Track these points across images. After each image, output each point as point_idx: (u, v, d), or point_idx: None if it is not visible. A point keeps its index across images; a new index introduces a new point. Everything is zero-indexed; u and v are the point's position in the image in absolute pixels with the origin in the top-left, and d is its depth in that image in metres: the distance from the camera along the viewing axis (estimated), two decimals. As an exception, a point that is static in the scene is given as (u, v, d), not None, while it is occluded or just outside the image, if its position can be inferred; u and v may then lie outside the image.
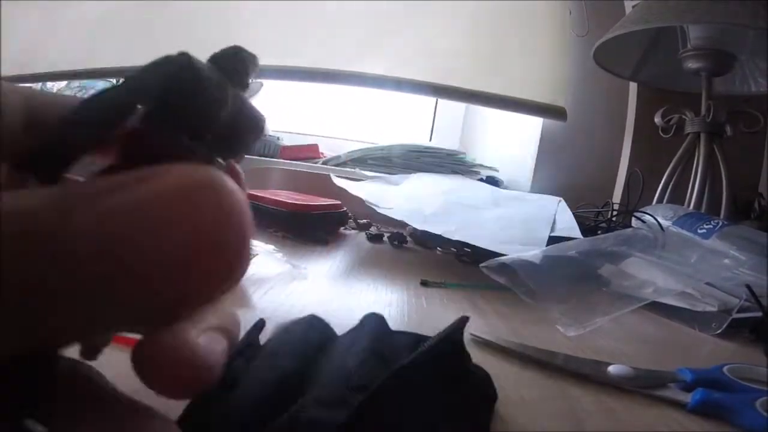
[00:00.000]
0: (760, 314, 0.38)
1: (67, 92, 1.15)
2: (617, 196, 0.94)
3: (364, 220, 0.79)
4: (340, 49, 0.96)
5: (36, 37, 1.07)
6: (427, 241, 0.66)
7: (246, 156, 0.33)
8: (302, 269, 0.42)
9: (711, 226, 0.56)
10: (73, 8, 1.04)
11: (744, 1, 0.63)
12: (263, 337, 0.22)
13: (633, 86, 0.97)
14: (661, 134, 0.92)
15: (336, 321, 0.31)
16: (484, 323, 0.34)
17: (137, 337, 0.12)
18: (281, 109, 1.25)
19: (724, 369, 0.27)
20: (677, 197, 0.83)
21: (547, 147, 1.04)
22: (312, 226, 0.63)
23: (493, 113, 1.18)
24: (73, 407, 0.12)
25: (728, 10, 0.63)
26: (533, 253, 0.43)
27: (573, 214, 0.65)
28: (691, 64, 0.80)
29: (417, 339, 0.24)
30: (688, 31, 0.79)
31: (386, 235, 0.70)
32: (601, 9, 0.97)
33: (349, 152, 1.00)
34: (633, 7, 0.81)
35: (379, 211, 0.61)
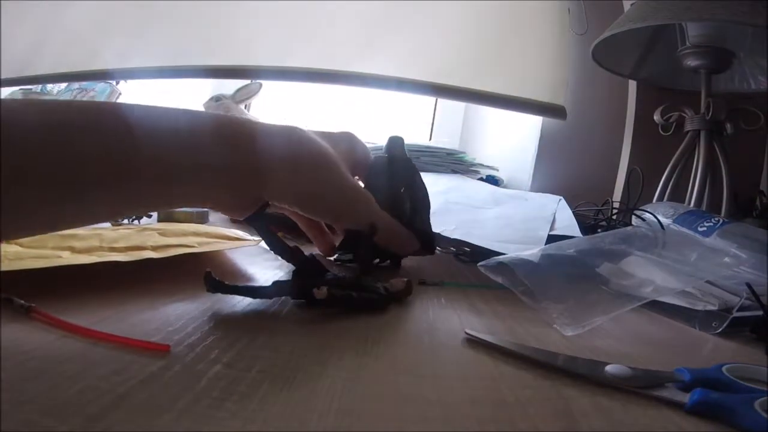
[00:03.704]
0: (761, 313, 0.38)
1: (66, 94, 1.14)
2: (617, 195, 0.94)
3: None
4: (339, 50, 0.96)
5: (36, 38, 1.07)
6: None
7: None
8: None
9: (711, 224, 0.56)
10: (73, 9, 1.04)
11: (742, -2, 0.63)
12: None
13: (632, 84, 0.97)
14: (661, 132, 0.91)
15: (335, 321, 0.32)
16: (481, 323, 0.34)
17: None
18: (280, 110, 1.24)
19: (724, 369, 0.27)
20: (678, 195, 0.83)
21: (546, 146, 1.03)
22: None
23: (493, 112, 1.18)
24: None
25: (727, 8, 0.62)
26: (531, 252, 0.43)
27: (573, 212, 0.65)
28: (690, 62, 0.79)
29: None
30: (686, 29, 0.79)
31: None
32: (599, 7, 0.97)
33: (348, 152, 0.99)
34: (631, 5, 0.80)
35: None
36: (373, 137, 1.15)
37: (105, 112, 0.28)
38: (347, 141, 0.41)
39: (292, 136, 0.35)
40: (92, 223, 0.29)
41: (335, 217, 0.40)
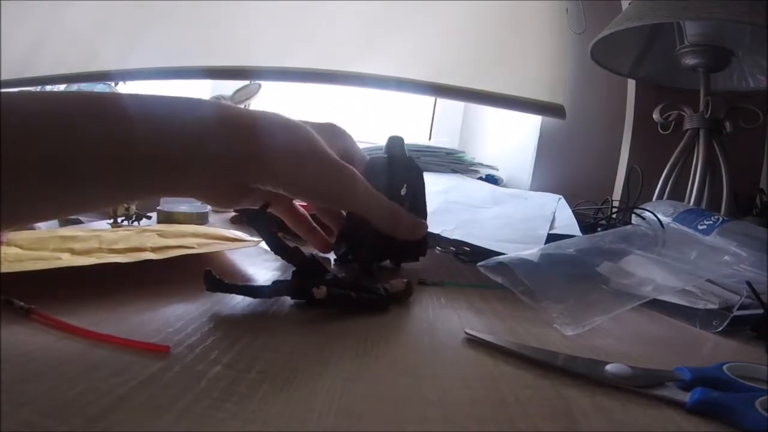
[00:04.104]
0: (761, 311, 0.38)
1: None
2: (617, 193, 0.94)
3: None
4: (339, 50, 0.96)
5: (35, 39, 1.06)
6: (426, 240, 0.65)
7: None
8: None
9: (711, 223, 0.56)
10: (72, 10, 1.04)
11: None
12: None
13: (631, 83, 0.97)
14: (660, 131, 0.91)
15: (335, 321, 0.32)
16: (481, 323, 0.34)
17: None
18: (280, 111, 1.24)
19: (724, 367, 0.27)
20: (677, 194, 0.83)
21: (546, 145, 1.03)
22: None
23: (492, 112, 1.18)
24: None
25: (725, 7, 0.62)
26: (531, 251, 0.43)
27: (572, 211, 0.65)
28: (689, 61, 0.79)
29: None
30: (684, 28, 0.79)
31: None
32: (598, 6, 0.96)
33: (348, 152, 0.99)
34: (629, 4, 0.80)
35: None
36: (373, 137, 1.15)
37: (105, 100, 0.28)
38: (330, 129, 0.41)
39: (282, 121, 0.35)
40: (90, 210, 0.29)
41: (334, 199, 0.39)
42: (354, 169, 0.38)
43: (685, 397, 0.23)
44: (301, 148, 0.35)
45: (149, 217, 0.66)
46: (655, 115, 0.92)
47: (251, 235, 0.49)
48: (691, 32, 0.78)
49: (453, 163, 1.00)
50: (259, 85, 1.11)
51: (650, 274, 0.41)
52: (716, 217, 0.57)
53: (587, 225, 0.66)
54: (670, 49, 0.83)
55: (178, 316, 0.29)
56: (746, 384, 0.25)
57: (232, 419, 0.18)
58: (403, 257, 0.49)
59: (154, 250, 0.38)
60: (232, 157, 0.31)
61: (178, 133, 0.29)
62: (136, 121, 0.27)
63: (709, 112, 0.79)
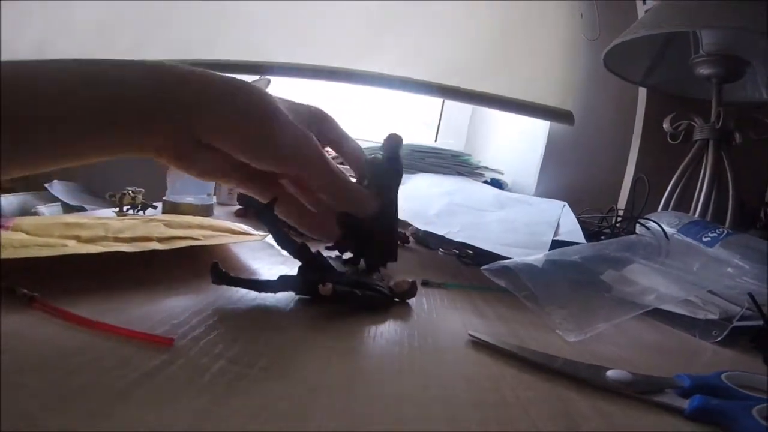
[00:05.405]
0: (761, 323, 0.38)
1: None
2: (622, 202, 0.94)
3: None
4: (346, 47, 0.96)
5: (40, 38, 1.07)
6: (430, 241, 0.65)
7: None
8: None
9: (715, 235, 0.56)
10: (75, 10, 1.04)
11: (757, 4, 0.62)
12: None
13: (642, 91, 0.97)
14: (669, 140, 0.91)
15: (339, 319, 0.32)
16: (484, 325, 0.34)
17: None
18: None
19: (723, 376, 0.27)
20: (683, 204, 0.83)
21: (553, 150, 1.03)
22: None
23: (500, 115, 1.17)
24: None
25: (741, 15, 0.62)
26: (535, 256, 0.43)
27: (577, 218, 0.65)
28: (703, 70, 0.79)
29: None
30: (700, 37, 0.78)
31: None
32: (612, 11, 0.96)
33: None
34: (646, 11, 0.80)
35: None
36: (378, 137, 1.16)
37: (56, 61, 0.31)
38: (310, 109, 0.40)
39: (232, 80, 0.33)
40: (57, 162, 0.29)
41: (281, 160, 0.34)
42: (313, 138, 0.35)
43: (684, 403, 0.24)
44: (243, 100, 0.33)
45: (155, 207, 0.66)
46: (666, 125, 0.92)
47: (256, 229, 0.49)
48: (707, 41, 0.77)
49: (458, 165, 1.00)
50: (268, 81, 1.11)
51: (653, 283, 0.41)
52: (721, 229, 0.57)
53: (591, 233, 0.66)
54: (683, 57, 0.82)
55: (183, 308, 0.29)
56: (744, 392, 0.25)
57: (234, 416, 0.18)
58: (372, 256, 0.42)
59: (160, 240, 0.38)
60: (181, 105, 0.31)
61: (127, 86, 0.31)
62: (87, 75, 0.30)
63: (720, 124, 0.79)
